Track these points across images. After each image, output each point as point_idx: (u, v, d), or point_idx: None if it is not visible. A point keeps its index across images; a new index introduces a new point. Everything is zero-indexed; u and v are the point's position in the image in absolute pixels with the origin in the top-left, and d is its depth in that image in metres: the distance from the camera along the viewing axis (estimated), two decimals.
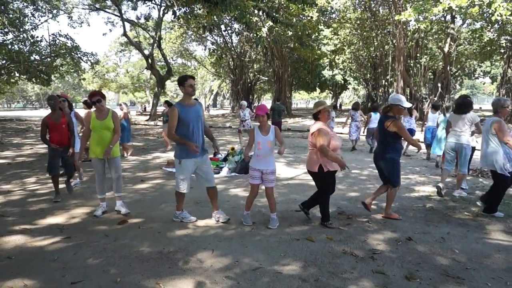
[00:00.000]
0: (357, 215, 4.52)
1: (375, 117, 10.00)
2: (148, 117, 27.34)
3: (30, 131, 17.35)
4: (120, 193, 4.64)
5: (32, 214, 4.54)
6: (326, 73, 31.89)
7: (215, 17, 12.27)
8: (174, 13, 10.20)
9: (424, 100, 24.22)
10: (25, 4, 20.39)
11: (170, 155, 9.32)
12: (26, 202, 5.06)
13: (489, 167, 4.58)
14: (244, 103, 11.69)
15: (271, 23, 15.22)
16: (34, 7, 21.06)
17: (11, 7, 19.40)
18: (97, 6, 24.06)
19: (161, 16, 23.23)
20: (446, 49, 22.65)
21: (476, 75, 40.59)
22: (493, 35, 21.82)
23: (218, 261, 3.22)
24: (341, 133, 12.93)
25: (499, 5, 11.67)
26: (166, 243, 3.62)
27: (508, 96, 21.25)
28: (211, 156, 6.98)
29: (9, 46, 19.68)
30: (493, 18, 12.69)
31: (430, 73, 29.28)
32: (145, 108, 44.60)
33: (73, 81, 52.50)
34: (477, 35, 22.89)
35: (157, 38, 24.21)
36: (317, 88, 38.73)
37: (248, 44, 29.21)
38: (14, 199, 5.24)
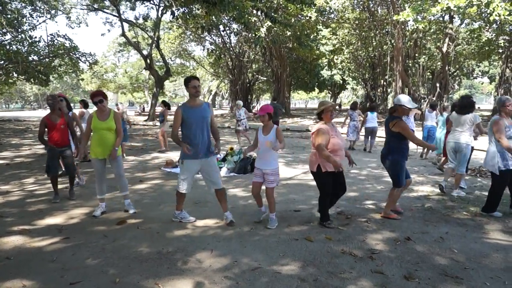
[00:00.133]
0: (356, 215, 4.53)
1: (372, 116, 10.18)
2: (146, 117, 27.31)
3: (28, 132, 17.31)
4: (125, 192, 4.62)
5: (30, 214, 4.53)
6: (325, 73, 31.95)
7: (213, 17, 12.29)
8: (172, 13, 10.21)
9: (422, 100, 24.28)
10: (23, 4, 20.37)
11: (169, 155, 9.31)
12: (25, 203, 5.04)
13: (487, 167, 4.61)
14: (240, 102, 11.67)
15: (269, 23, 15.24)
16: (32, 7, 21.04)
17: (9, 8, 19.38)
18: (96, 6, 24.00)
19: (160, 16, 23.19)
20: (444, 49, 22.72)
21: (475, 75, 40.74)
22: (491, 35, 21.88)
23: (217, 261, 3.22)
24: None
25: (497, 5, 11.72)
26: (165, 243, 3.61)
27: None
28: None
29: (7, 47, 19.68)
30: (491, 18, 12.73)
31: (428, 73, 29.38)
32: (143, 109, 44.55)
33: (71, 82, 52.40)
34: (475, 35, 22.96)
35: (155, 39, 24.18)
36: (315, 88, 38.76)
37: (246, 44, 29.20)
38: (12, 199, 5.23)
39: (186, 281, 2.88)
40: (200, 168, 4.08)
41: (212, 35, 30.44)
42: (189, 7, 11.47)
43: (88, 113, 8.38)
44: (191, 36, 31.85)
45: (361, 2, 24.31)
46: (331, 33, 25.56)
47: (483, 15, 17.98)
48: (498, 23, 19.05)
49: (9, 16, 19.40)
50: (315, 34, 25.61)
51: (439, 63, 25.67)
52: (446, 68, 23.91)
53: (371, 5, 24.83)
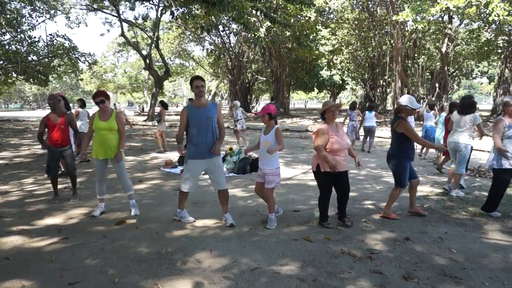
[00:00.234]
0: (355, 215, 4.53)
1: (370, 115, 10.35)
2: (146, 117, 27.29)
3: (27, 132, 17.29)
4: (130, 192, 4.57)
5: (30, 214, 4.53)
6: (324, 73, 31.95)
7: (213, 17, 12.29)
8: (172, 13, 10.19)
9: (422, 100, 24.30)
10: (22, 4, 20.34)
11: (168, 155, 9.31)
12: (24, 203, 5.04)
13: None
14: (237, 103, 11.67)
15: (269, 24, 15.24)
16: (32, 7, 21.01)
17: (9, 8, 19.36)
18: (95, 6, 23.98)
19: (159, 16, 23.18)
20: (443, 49, 22.74)
21: (474, 75, 40.78)
22: (491, 35, 21.91)
23: (216, 261, 3.22)
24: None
25: (496, 5, 11.74)
26: (164, 243, 3.61)
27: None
28: None
29: (7, 47, 19.66)
30: (490, 19, 12.76)
31: (427, 73, 29.41)
32: (143, 109, 44.53)
33: (70, 82, 52.40)
34: (474, 35, 22.98)
35: (155, 39, 24.16)
36: (315, 89, 38.78)
37: (246, 44, 29.20)
38: (12, 199, 5.23)
39: (185, 281, 2.88)
40: (206, 168, 4.07)
41: (211, 35, 30.46)
42: (189, 7, 11.46)
43: (84, 112, 8.38)
44: (190, 36, 31.85)
45: (360, 3, 24.32)
46: (331, 33, 25.57)
47: (482, 15, 18.01)
48: (497, 23, 19.09)
49: (8, 16, 19.38)
50: (315, 34, 25.63)
51: (438, 63, 25.71)
52: (445, 68, 23.93)
53: (371, 6, 24.85)
